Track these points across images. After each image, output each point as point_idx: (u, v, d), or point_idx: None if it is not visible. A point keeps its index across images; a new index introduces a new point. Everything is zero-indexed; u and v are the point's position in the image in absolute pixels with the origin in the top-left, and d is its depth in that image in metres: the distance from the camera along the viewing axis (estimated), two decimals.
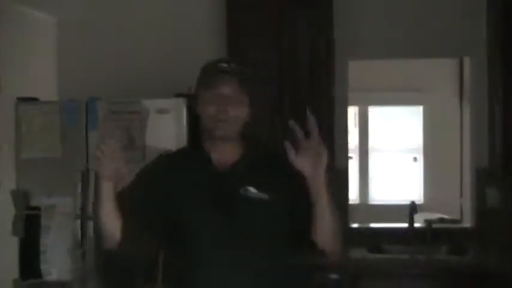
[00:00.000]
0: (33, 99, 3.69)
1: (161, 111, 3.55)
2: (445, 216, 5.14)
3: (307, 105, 3.82)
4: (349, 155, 7.80)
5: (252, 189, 2.08)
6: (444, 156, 5.09)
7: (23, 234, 3.60)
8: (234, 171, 2.12)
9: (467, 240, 4.07)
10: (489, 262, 3.71)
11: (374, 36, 4.21)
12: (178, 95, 3.55)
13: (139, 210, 2.12)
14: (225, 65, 2.17)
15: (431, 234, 4.11)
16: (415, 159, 7.98)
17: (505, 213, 4.09)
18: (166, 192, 2.12)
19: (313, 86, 3.94)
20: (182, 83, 3.71)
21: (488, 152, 4.06)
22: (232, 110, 2.09)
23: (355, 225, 4.36)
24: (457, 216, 4.45)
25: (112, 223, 2.08)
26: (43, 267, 3.56)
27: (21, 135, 3.60)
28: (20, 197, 3.59)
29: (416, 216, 4.21)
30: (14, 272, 3.62)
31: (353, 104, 7.76)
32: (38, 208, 3.56)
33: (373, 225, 4.57)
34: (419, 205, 7.33)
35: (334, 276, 3.60)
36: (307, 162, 2.02)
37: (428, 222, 4.17)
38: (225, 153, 2.14)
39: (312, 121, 2.04)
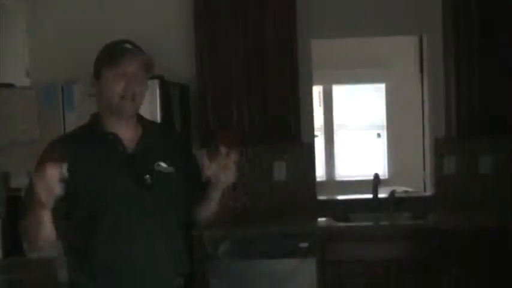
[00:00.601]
0: (9, 85, 3.80)
1: None
2: (409, 189, 5.39)
3: (272, 83, 4.08)
4: (315, 132, 8.10)
5: (163, 164, 2.24)
6: (407, 132, 5.30)
7: (4, 215, 3.71)
8: (143, 148, 2.24)
9: (427, 207, 4.31)
10: (446, 224, 3.95)
11: (335, 15, 4.40)
12: (151, 78, 3.68)
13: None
14: (128, 45, 2.25)
15: (394, 204, 4.33)
16: (378, 135, 8.20)
17: (460, 178, 4.35)
18: (77, 175, 2.06)
19: (277, 65, 4.10)
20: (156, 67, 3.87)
21: (445, 122, 4.30)
22: (137, 88, 2.20)
23: (322, 198, 4.54)
24: (420, 189, 4.66)
25: (40, 237, 2.06)
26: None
27: (0, 119, 3.71)
28: (1, 179, 3.70)
29: (381, 190, 4.43)
30: None
31: (317, 83, 7.95)
32: (18, 189, 3.58)
33: (340, 197, 4.77)
34: (384, 180, 7.65)
35: (303, 244, 3.81)
36: (217, 173, 2.19)
37: (392, 192, 4.40)
38: (127, 130, 2.25)
39: (232, 138, 2.18)
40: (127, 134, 2.25)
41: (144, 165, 2.22)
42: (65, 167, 1.91)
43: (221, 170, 2.18)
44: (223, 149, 2.19)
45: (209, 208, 2.34)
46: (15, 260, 3.74)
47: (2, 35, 4.73)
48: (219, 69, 4.13)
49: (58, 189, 1.90)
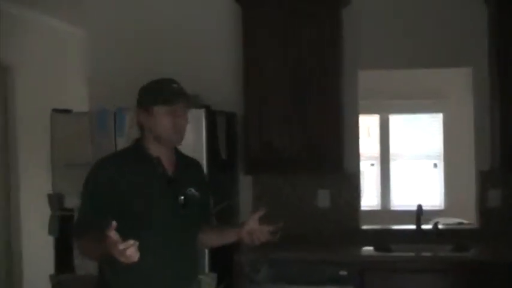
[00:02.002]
0: (67, 111, 4.01)
1: None
2: (464, 221, 5.35)
3: (317, 113, 4.16)
4: (371, 162, 8.11)
5: (193, 190, 2.65)
6: (463, 162, 5.28)
7: (57, 234, 3.88)
8: (179, 173, 2.63)
9: (471, 239, 4.28)
10: (488, 256, 3.91)
11: (382, 46, 4.46)
12: (198, 107, 3.82)
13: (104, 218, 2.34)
14: (176, 85, 2.64)
15: (438, 235, 4.33)
16: (435, 165, 8.15)
17: (505, 211, 4.31)
18: (123, 191, 2.49)
19: (322, 94, 4.19)
20: (202, 96, 4.05)
21: (490, 154, 4.29)
22: (184, 123, 2.61)
23: (367, 227, 4.57)
24: (475, 220, 4.59)
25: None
26: (76, 262, 3.84)
27: (56, 143, 3.91)
28: (55, 200, 3.88)
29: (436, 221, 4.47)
30: (50, 267, 3.93)
31: (374, 112, 8.03)
32: (71, 209, 3.75)
33: (384, 227, 4.79)
34: (440, 210, 7.60)
35: (342, 272, 3.86)
36: (255, 236, 2.74)
37: (435, 223, 4.40)
38: (166, 157, 2.62)
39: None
40: (166, 159, 2.62)
41: (180, 188, 2.61)
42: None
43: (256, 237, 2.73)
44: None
45: (222, 239, 2.86)
46: (66, 276, 3.90)
47: (63, 63, 5.02)
48: (265, 97, 4.25)
49: (137, 257, 2.20)
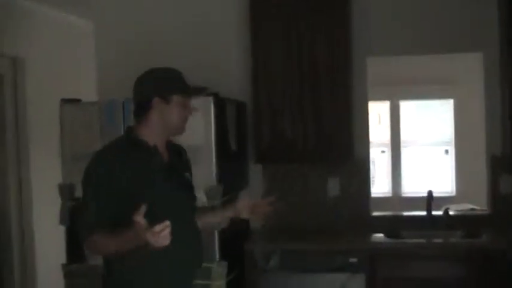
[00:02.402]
0: (76, 100, 4.03)
1: None
2: (476, 207, 5.33)
3: (326, 101, 4.16)
4: (382, 149, 8.09)
5: (188, 175, 2.75)
6: (475, 148, 5.24)
7: (68, 223, 3.89)
8: (174, 160, 2.68)
9: (482, 225, 4.26)
10: (501, 243, 3.89)
11: (390, 32, 4.43)
12: (206, 95, 3.83)
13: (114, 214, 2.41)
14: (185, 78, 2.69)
15: (449, 221, 4.31)
16: (446, 151, 8.12)
17: None
18: (130, 182, 2.45)
19: (331, 82, 4.18)
20: (209, 84, 4.04)
21: (501, 140, 4.26)
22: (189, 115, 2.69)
23: (377, 214, 4.56)
24: (486, 207, 4.56)
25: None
26: (87, 252, 3.85)
27: (65, 133, 3.92)
28: (66, 190, 3.88)
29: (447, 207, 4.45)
30: (62, 257, 3.96)
31: (385, 99, 8.00)
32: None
33: (394, 213, 4.78)
34: (452, 197, 7.58)
35: (352, 259, 3.86)
36: (250, 211, 2.87)
37: (446, 209, 4.38)
38: (162, 145, 2.64)
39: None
40: (161, 147, 2.64)
41: (178, 173, 2.68)
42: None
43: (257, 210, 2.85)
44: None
45: (211, 223, 3.02)
46: (78, 266, 3.92)
47: (72, 54, 5.04)
48: (274, 86, 4.24)
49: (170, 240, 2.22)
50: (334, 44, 4.18)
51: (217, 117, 3.79)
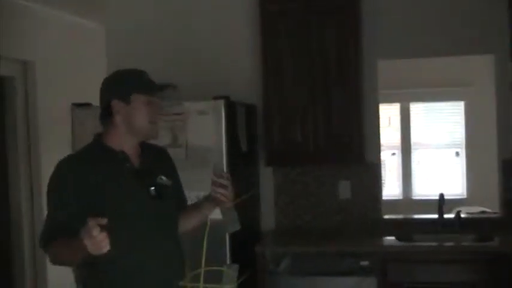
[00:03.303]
0: (87, 104, 4.04)
1: (202, 113, 3.81)
2: (487, 210, 5.30)
3: (336, 103, 4.15)
4: (392, 151, 8.07)
5: (163, 177, 2.50)
6: (486, 150, 5.23)
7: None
8: (145, 164, 2.50)
9: (494, 228, 4.23)
10: (510, 247, 3.85)
11: (402, 35, 4.41)
12: (217, 98, 3.82)
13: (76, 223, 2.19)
14: (150, 78, 2.51)
15: (460, 224, 4.29)
16: (457, 153, 8.10)
17: None
18: (93, 191, 2.34)
19: (342, 85, 4.17)
20: (220, 87, 4.05)
21: None
22: (158, 116, 2.50)
23: (388, 217, 4.55)
24: (498, 209, 4.53)
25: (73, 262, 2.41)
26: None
27: (76, 137, 3.93)
28: None
29: (459, 210, 4.43)
30: None
31: (395, 101, 7.99)
32: None
33: (406, 216, 4.77)
34: (463, 199, 7.55)
35: (364, 263, 3.85)
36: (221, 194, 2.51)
37: (457, 212, 4.36)
38: (131, 149, 2.48)
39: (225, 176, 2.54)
40: (132, 152, 2.49)
41: (149, 178, 2.46)
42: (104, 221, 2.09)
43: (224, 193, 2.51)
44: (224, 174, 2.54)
45: (199, 218, 2.66)
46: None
47: (82, 57, 5.05)
48: (285, 89, 4.24)
49: (108, 247, 2.07)
50: (345, 46, 4.17)
51: (227, 120, 3.80)
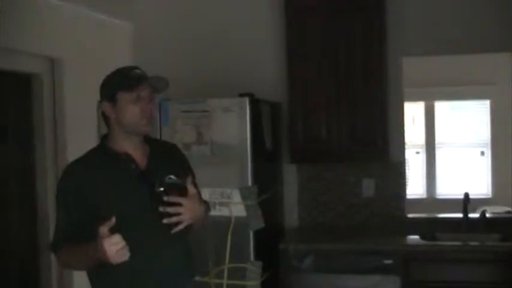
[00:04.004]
0: None
1: (226, 110, 3.84)
2: None
3: (361, 101, 4.15)
4: (416, 150, 8.02)
5: (173, 177, 2.40)
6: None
7: None
8: (153, 164, 2.45)
9: None
10: None
11: (426, 33, 4.39)
12: (241, 95, 3.85)
13: (78, 228, 2.31)
14: (139, 71, 2.45)
15: (485, 224, 4.26)
16: (482, 153, 8.02)
17: None
18: (97, 196, 2.34)
19: (366, 83, 4.17)
20: (245, 84, 4.07)
21: None
22: (150, 109, 2.43)
23: (412, 216, 4.53)
24: None
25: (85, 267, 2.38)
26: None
27: (103, 133, 3.97)
28: None
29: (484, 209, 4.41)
30: None
31: (419, 99, 7.93)
32: None
33: (430, 215, 4.75)
34: (488, 199, 7.48)
35: (387, 261, 3.84)
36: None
37: (482, 212, 4.34)
38: (136, 149, 2.45)
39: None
40: (137, 152, 2.46)
41: (156, 179, 2.37)
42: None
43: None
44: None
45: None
46: None
47: (109, 55, 5.09)
48: (309, 87, 4.25)
49: (128, 254, 2.14)
50: (370, 44, 4.17)
51: (252, 117, 3.82)
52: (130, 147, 2.45)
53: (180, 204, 2.32)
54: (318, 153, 4.26)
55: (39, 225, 4.83)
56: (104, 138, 2.52)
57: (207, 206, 2.66)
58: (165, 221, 2.30)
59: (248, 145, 3.75)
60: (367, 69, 4.17)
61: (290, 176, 4.54)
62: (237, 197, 3.49)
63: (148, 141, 2.54)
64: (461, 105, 8.11)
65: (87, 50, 5.02)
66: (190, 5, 4.71)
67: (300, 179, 4.55)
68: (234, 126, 3.82)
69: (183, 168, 2.58)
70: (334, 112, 4.21)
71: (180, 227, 2.33)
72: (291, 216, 4.55)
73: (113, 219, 2.13)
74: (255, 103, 3.89)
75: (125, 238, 2.20)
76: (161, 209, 2.32)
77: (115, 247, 2.10)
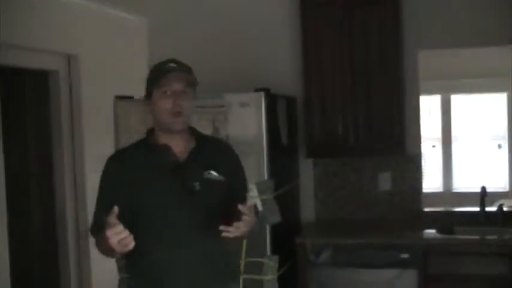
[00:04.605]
0: (129, 97, 4.10)
1: (242, 105, 3.83)
2: None
3: (377, 95, 4.14)
4: (433, 143, 7.98)
5: (213, 173, 2.40)
6: None
7: None
8: (193, 158, 2.43)
9: None
10: None
11: (443, 25, 4.37)
12: (257, 90, 3.83)
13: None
14: (173, 64, 2.44)
15: (503, 217, 4.24)
16: (499, 146, 7.97)
17: None
18: (131, 186, 2.37)
19: (383, 76, 4.16)
20: (261, 79, 4.07)
21: None
22: (184, 104, 2.38)
23: (429, 209, 4.52)
24: None
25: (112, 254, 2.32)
26: (104, 249, 3.88)
27: (120, 129, 4.00)
28: None
29: (501, 203, 4.38)
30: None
31: (435, 92, 7.89)
32: None
33: (447, 209, 4.73)
34: (505, 192, 7.44)
35: (404, 255, 3.84)
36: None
37: (500, 205, 4.31)
38: (179, 143, 2.44)
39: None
40: (179, 146, 2.45)
41: (193, 173, 2.39)
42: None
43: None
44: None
45: None
46: None
47: (125, 51, 5.11)
48: (325, 81, 4.24)
49: (132, 245, 2.13)
50: (385, 37, 4.15)
51: (268, 112, 3.81)
52: (172, 140, 2.44)
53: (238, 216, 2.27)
54: (334, 148, 4.25)
55: (58, 218, 4.89)
56: (149, 131, 2.53)
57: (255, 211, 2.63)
58: (222, 227, 2.25)
59: (264, 140, 3.75)
60: (383, 62, 4.15)
61: (306, 170, 4.54)
62: (253, 191, 3.51)
63: (198, 137, 2.53)
64: (477, 98, 8.06)
65: (103, 46, 5.06)
66: (206, 1, 4.71)
67: (316, 174, 4.55)
68: (250, 121, 3.81)
69: (231, 171, 2.52)
70: (350, 106, 4.20)
71: (227, 235, 2.28)
72: (308, 210, 4.55)
73: (116, 209, 2.12)
74: (271, 98, 3.89)
75: (151, 230, 2.26)
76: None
77: (117, 237, 2.10)
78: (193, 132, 2.54)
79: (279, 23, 4.57)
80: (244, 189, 2.53)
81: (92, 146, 4.87)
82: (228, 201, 2.35)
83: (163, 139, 2.44)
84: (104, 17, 4.99)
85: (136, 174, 2.40)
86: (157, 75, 2.41)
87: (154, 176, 2.40)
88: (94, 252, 4.88)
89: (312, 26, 4.25)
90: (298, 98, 4.41)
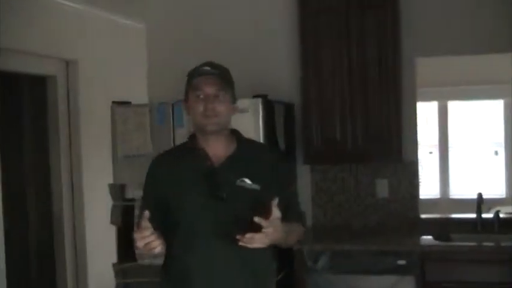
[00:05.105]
0: (127, 103, 4.10)
1: (240, 111, 3.82)
2: None
3: (375, 102, 4.14)
4: (430, 150, 7.99)
5: (247, 180, 2.36)
6: None
7: (120, 223, 3.97)
8: (230, 163, 2.41)
9: None
10: None
11: (440, 33, 4.38)
12: (255, 96, 3.85)
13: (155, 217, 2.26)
14: (207, 67, 2.45)
15: (499, 224, 4.25)
16: (496, 152, 7.99)
17: None
18: (168, 191, 2.41)
19: (380, 83, 4.17)
20: (260, 85, 4.08)
21: None
22: (218, 107, 2.37)
23: (425, 216, 4.52)
24: None
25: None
26: (137, 252, 3.93)
27: (117, 134, 4.00)
28: (117, 190, 3.97)
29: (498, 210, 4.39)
30: (113, 256, 4.04)
31: (432, 99, 7.91)
32: (132, 199, 3.87)
33: (443, 216, 4.73)
34: (502, 199, 7.45)
35: (401, 262, 3.84)
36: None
37: (497, 212, 4.32)
38: (218, 147, 2.43)
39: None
40: (218, 150, 2.43)
41: (226, 179, 2.37)
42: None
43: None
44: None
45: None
46: (129, 265, 3.99)
47: (123, 56, 5.11)
48: (323, 87, 4.25)
49: (159, 249, 2.20)
50: (383, 44, 4.17)
51: (266, 118, 3.83)
52: (211, 144, 2.43)
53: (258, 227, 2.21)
54: (331, 154, 4.26)
55: (55, 222, 4.88)
56: (192, 135, 2.54)
57: (302, 222, 2.64)
58: (238, 236, 2.21)
59: None
60: (380, 69, 4.17)
61: (304, 176, 4.54)
62: None
63: (240, 141, 2.51)
64: (474, 105, 8.08)
65: (101, 52, 5.06)
66: (202, 5, 4.73)
67: (314, 180, 4.55)
68: (247, 127, 3.80)
69: (270, 175, 2.45)
70: (348, 113, 4.20)
71: (243, 244, 2.23)
72: (305, 216, 4.54)
73: (147, 213, 2.16)
74: (269, 104, 3.90)
75: (181, 234, 2.32)
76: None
77: (143, 240, 2.16)
78: (236, 136, 2.53)
79: (277, 30, 4.58)
80: (285, 200, 2.35)
81: (89, 151, 4.86)
82: (262, 213, 2.24)
83: (202, 142, 2.45)
84: (102, 22, 4.99)
85: (173, 177, 2.44)
86: (191, 78, 2.45)
87: (189, 180, 2.42)
88: (91, 257, 4.91)
89: (310, 32, 4.26)
90: (296, 104, 4.42)
